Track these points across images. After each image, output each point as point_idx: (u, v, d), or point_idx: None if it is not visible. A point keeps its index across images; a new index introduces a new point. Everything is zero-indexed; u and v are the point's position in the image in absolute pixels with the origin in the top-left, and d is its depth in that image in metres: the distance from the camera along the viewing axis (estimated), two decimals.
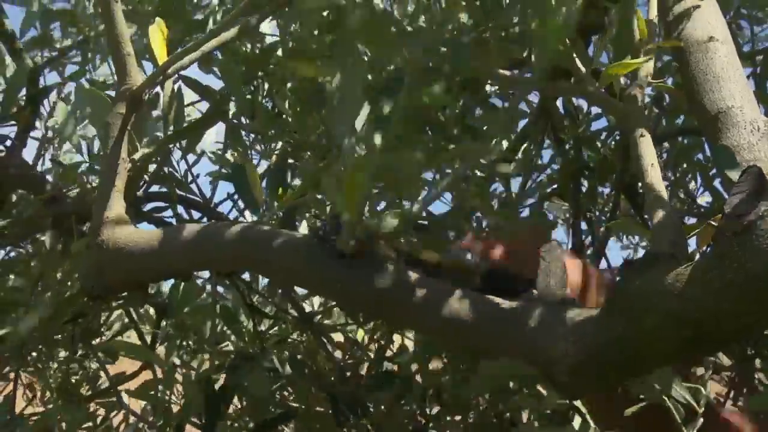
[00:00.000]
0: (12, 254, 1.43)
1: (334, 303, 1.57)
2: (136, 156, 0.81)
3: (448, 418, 1.26)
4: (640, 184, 1.36)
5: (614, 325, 0.58)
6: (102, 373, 1.66)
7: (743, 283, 0.50)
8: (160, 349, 1.57)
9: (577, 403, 0.92)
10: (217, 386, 1.16)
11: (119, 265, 0.76)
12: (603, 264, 1.42)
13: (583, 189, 1.39)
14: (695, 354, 0.67)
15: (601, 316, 0.59)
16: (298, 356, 1.28)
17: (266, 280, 1.58)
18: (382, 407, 1.23)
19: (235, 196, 1.35)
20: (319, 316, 1.46)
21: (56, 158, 1.41)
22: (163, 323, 1.48)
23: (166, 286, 1.51)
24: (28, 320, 0.97)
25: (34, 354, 1.54)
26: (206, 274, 1.40)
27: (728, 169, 0.60)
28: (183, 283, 1.28)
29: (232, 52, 1.22)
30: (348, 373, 1.28)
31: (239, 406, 1.40)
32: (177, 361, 1.52)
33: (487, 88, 1.46)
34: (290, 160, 1.34)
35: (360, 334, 1.61)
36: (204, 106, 1.48)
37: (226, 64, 1.23)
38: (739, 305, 0.51)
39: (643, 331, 0.56)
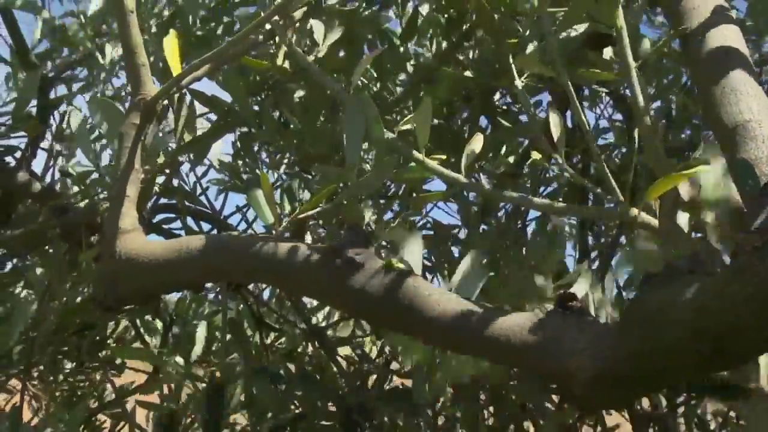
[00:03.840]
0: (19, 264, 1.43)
1: (339, 316, 1.57)
2: (149, 166, 0.81)
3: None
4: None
5: (632, 340, 0.57)
6: (108, 385, 1.66)
7: (763, 297, 0.50)
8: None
9: None
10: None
11: (132, 276, 0.76)
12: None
13: (590, 203, 1.38)
14: (714, 369, 0.66)
15: (619, 330, 0.59)
16: (308, 368, 1.28)
17: (273, 292, 1.58)
18: (390, 419, 1.23)
19: (245, 209, 1.35)
20: (329, 330, 1.45)
21: (65, 169, 1.41)
22: (170, 335, 1.47)
23: (173, 297, 1.51)
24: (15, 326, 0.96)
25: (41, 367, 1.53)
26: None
27: (747, 182, 0.59)
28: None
29: (240, 66, 1.22)
30: (358, 383, 1.28)
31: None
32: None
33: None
34: (296, 168, 1.34)
35: (367, 346, 1.60)
36: (212, 116, 1.48)
37: (230, 76, 1.23)
38: (759, 319, 0.51)
39: (661, 345, 0.56)
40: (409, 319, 0.65)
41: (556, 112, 0.72)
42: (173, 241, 0.75)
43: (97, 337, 1.57)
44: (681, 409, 1.13)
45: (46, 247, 1.29)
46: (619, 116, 1.40)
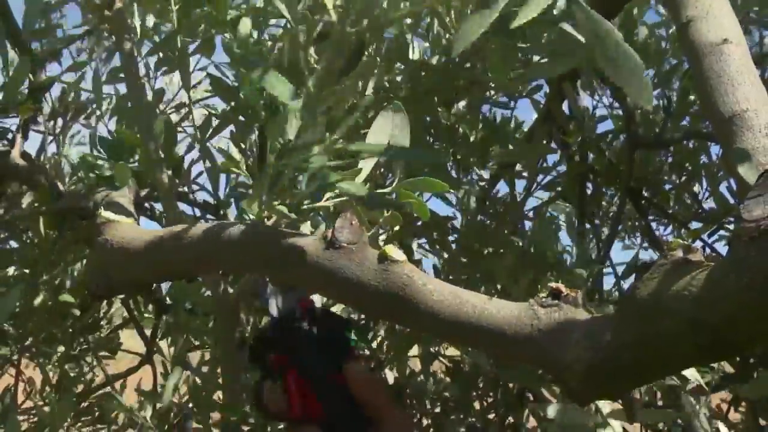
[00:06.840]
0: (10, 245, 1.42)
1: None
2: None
3: (452, 417, 1.26)
4: (644, 188, 1.37)
5: (628, 331, 0.57)
6: (101, 369, 1.66)
7: (761, 287, 0.50)
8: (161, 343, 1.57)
9: None
10: None
11: (124, 266, 0.75)
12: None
13: (588, 192, 1.38)
14: (711, 360, 0.66)
15: (615, 321, 0.59)
16: None
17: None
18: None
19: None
20: None
21: (60, 152, 1.40)
22: (164, 318, 1.47)
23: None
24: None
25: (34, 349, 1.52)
26: None
27: (744, 172, 0.59)
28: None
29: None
30: None
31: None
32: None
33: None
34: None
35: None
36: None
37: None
38: (757, 310, 0.51)
39: (658, 336, 0.55)
40: (404, 310, 0.65)
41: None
42: (166, 230, 0.74)
43: (90, 321, 1.56)
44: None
45: (40, 231, 1.28)
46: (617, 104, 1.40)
